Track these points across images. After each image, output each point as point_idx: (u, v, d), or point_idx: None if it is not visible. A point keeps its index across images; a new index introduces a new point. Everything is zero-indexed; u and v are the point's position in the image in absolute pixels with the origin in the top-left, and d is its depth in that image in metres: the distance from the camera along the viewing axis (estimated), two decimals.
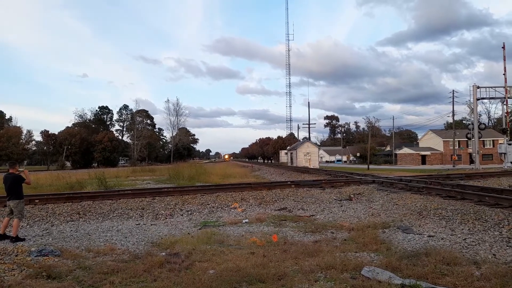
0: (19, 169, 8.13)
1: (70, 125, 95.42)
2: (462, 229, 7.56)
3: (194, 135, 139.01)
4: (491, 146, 62.83)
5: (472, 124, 34.68)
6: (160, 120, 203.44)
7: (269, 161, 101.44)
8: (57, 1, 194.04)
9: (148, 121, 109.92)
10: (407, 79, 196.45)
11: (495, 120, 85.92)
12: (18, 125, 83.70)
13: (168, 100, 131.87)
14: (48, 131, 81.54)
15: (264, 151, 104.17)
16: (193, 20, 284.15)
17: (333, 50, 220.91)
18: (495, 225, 7.48)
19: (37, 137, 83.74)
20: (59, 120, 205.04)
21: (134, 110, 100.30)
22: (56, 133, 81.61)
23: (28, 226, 9.52)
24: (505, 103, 32.18)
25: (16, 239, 7.50)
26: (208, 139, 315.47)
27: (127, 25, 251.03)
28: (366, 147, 65.01)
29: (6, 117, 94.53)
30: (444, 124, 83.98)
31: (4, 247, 6.60)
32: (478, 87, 33.12)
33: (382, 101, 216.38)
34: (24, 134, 77.90)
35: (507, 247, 6.14)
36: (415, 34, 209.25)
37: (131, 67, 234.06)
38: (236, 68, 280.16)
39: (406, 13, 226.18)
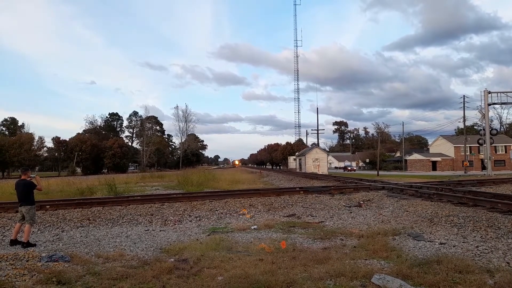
0: (30, 175, 8.24)
1: (80, 131, 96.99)
2: (475, 237, 7.43)
3: (202, 141, 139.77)
4: (504, 152, 61.80)
5: (484, 129, 34.20)
6: (167, 126, 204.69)
7: (278, 167, 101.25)
8: (66, 9, 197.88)
9: (157, 127, 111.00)
10: (415, 84, 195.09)
11: (507, 126, 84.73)
12: (30, 132, 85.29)
13: (177, 106, 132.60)
14: (59, 138, 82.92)
15: (272, 157, 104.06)
16: (199, 27, 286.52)
17: (339, 55, 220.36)
18: (509, 233, 7.33)
19: (49, 143, 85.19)
20: (70, 127, 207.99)
21: (143, 117, 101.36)
22: (67, 139, 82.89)
23: (39, 232, 9.63)
24: None
25: (27, 244, 7.59)
26: (216, 145, 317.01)
27: (133, 32, 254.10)
28: (375, 153, 64.57)
29: (19, 124, 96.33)
30: (455, 129, 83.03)
31: (16, 252, 6.68)
32: (489, 92, 32.75)
33: (390, 107, 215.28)
34: (36, 140, 79.17)
35: None
36: (422, 39, 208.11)
37: (138, 74, 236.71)
38: (242, 74, 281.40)
39: (413, 18, 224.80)
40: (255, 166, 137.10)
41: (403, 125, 76.53)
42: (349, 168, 75.34)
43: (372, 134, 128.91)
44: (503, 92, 33.05)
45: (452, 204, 11.02)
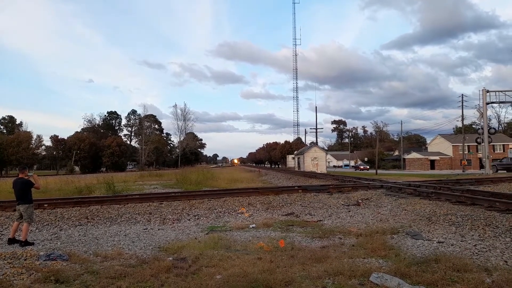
0: (28, 174, 8.21)
1: (79, 130, 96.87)
2: (473, 235, 7.45)
3: (201, 139, 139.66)
4: (502, 151, 62.02)
5: (482, 128, 34.23)
6: (166, 124, 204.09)
7: (276, 166, 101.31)
8: (66, 7, 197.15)
9: (156, 126, 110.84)
10: (413, 83, 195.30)
11: (505, 124, 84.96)
12: (28, 130, 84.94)
13: (175, 105, 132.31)
14: (58, 136, 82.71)
15: (271, 156, 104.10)
16: (198, 25, 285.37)
17: (338, 54, 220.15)
18: (506, 231, 7.35)
19: (47, 142, 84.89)
20: (68, 125, 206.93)
21: (142, 115, 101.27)
22: (66, 138, 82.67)
23: (37, 231, 9.61)
24: None
25: (25, 243, 7.57)
26: (215, 144, 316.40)
27: (132, 31, 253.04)
28: (374, 152, 64.65)
29: (17, 122, 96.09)
30: (453, 128, 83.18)
31: (14, 251, 6.67)
32: (488, 91, 32.74)
33: (388, 105, 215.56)
34: (34, 139, 78.73)
35: None
36: (420, 37, 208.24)
37: (136, 72, 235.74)
38: (240, 72, 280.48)
39: (411, 16, 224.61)
40: (254, 164, 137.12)
41: (401, 124, 76.65)
42: (361, 167, 71.39)
43: (371, 133, 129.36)
44: (501, 91, 33.05)
45: (450, 202, 11.04)
